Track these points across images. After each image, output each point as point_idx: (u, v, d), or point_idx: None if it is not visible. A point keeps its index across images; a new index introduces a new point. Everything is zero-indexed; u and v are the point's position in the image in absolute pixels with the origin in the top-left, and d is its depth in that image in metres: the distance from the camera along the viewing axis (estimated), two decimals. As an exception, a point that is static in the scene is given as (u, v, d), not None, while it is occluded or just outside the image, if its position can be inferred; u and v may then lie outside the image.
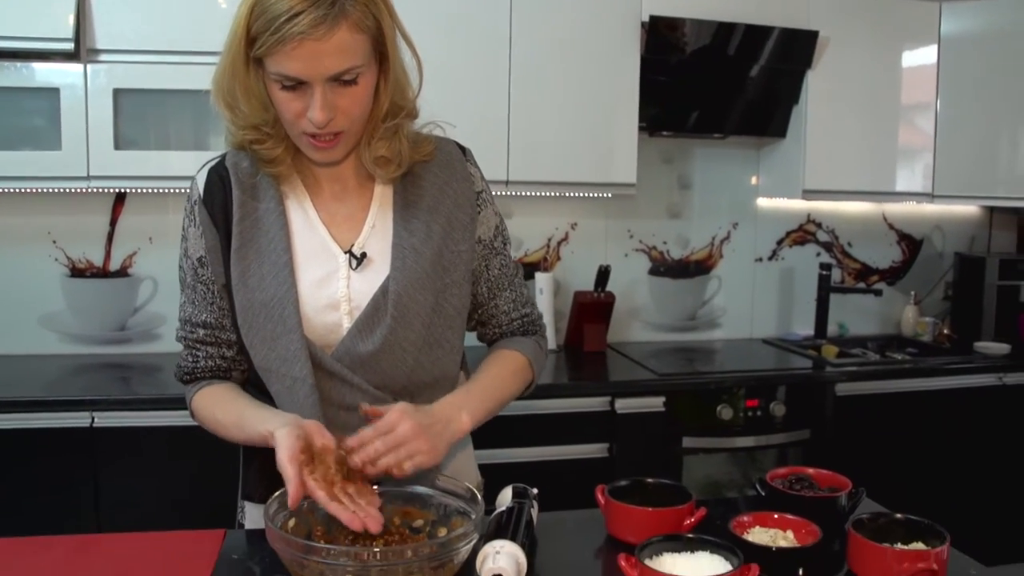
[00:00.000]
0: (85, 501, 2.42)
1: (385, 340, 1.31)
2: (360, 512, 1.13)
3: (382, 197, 1.38)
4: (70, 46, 2.48)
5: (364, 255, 1.34)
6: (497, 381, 1.40)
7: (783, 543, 1.20)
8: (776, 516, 1.26)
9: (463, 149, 1.45)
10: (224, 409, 1.33)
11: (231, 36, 1.21)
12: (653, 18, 2.93)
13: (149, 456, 2.44)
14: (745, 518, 1.26)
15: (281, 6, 1.14)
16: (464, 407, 1.30)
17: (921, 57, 3.33)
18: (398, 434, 1.17)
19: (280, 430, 1.15)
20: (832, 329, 3.63)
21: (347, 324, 1.33)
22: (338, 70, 1.19)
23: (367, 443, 1.17)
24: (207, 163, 1.39)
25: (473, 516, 1.14)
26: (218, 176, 1.36)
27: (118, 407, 2.42)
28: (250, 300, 1.31)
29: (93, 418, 2.40)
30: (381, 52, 1.25)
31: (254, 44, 1.18)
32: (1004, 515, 3.29)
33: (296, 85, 1.20)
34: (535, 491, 1.32)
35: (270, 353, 1.31)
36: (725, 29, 3.00)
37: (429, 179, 1.38)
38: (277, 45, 1.16)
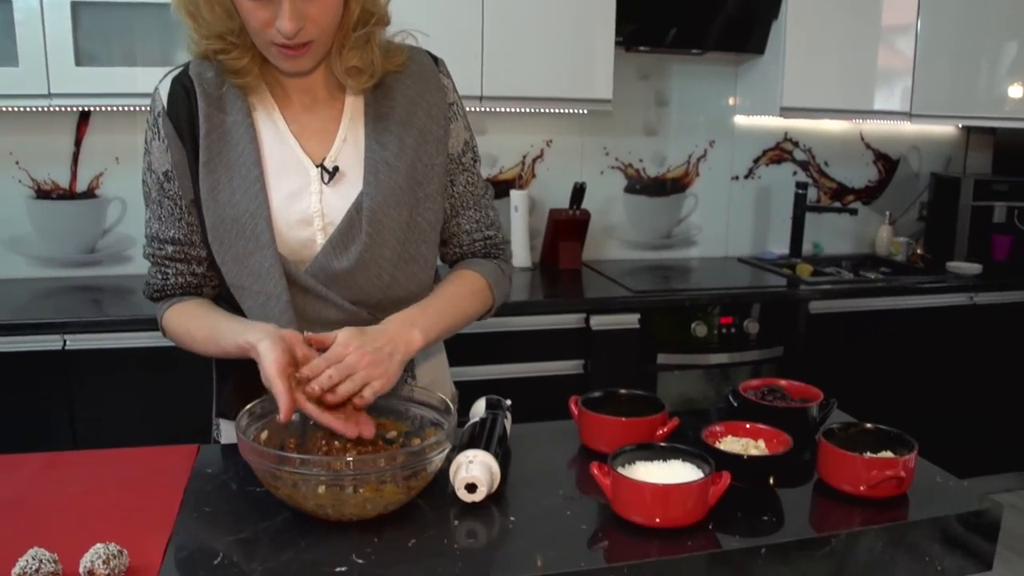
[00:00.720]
0: (60, 425, 2.41)
1: (360, 257, 1.29)
2: (353, 418, 1.14)
3: (353, 109, 1.34)
4: (22, -45, 2.37)
5: (336, 169, 1.31)
6: (454, 299, 1.37)
7: (754, 452, 1.22)
8: (748, 426, 1.27)
9: (436, 59, 1.41)
10: (197, 324, 1.31)
11: None
12: (631, -72, 2.85)
13: (123, 378, 2.43)
14: (717, 428, 1.27)
15: None
16: (416, 324, 1.26)
17: (903, -26, 3.28)
18: (347, 364, 1.14)
19: (263, 342, 1.13)
20: (807, 248, 3.65)
21: (320, 240, 1.31)
22: None
23: (319, 372, 1.14)
24: (169, 72, 1.33)
25: (446, 426, 1.14)
26: (182, 87, 1.30)
27: (90, 329, 2.40)
28: (220, 216, 1.28)
29: (65, 341, 2.38)
30: None
31: None
32: (972, 431, 3.37)
33: None
34: (508, 402, 1.32)
35: (243, 270, 1.29)
36: (705, -60, 2.93)
37: (401, 90, 1.34)
38: None
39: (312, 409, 1.12)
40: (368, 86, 1.31)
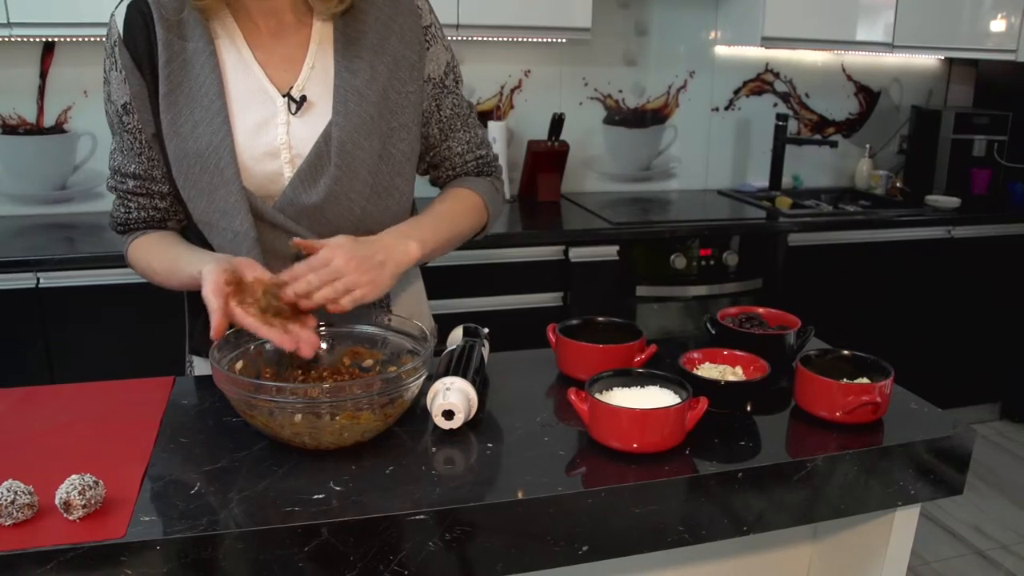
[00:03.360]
0: (36, 363, 2.40)
1: (330, 190, 1.25)
2: (294, 334, 1.10)
3: (322, 34, 1.29)
4: None
5: (304, 98, 1.26)
6: (450, 215, 1.35)
7: (732, 378, 1.22)
8: (726, 353, 1.27)
9: None
10: (159, 257, 1.29)
11: None
12: None
13: (97, 314, 2.41)
14: (695, 355, 1.27)
15: None
16: (412, 236, 1.24)
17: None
18: (332, 268, 1.12)
19: (207, 266, 1.11)
20: (787, 181, 3.64)
21: (288, 173, 1.27)
22: None
23: (299, 276, 1.12)
24: None
25: (423, 354, 1.13)
26: (139, 12, 1.24)
27: (63, 267, 2.37)
28: (183, 150, 1.24)
29: (38, 279, 2.35)
30: None
31: None
32: (949, 363, 3.42)
33: None
34: (486, 331, 1.32)
35: (208, 206, 1.25)
36: None
37: (373, 14, 1.29)
38: None
39: (251, 323, 1.08)
40: (338, 10, 1.26)
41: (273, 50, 1.28)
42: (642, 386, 1.14)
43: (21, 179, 2.86)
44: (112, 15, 1.26)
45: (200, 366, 1.43)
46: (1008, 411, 3.69)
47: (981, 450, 3.40)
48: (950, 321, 3.39)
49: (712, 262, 2.96)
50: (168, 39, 1.23)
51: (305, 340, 1.11)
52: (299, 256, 1.17)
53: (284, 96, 1.26)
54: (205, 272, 1.10)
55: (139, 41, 1.23)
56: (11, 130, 2.82)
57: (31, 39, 2.67)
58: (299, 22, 1.29)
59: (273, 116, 1.26)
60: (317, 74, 1.28)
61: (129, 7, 1.25)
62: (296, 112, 1.26)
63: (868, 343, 3.06)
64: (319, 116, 1.27)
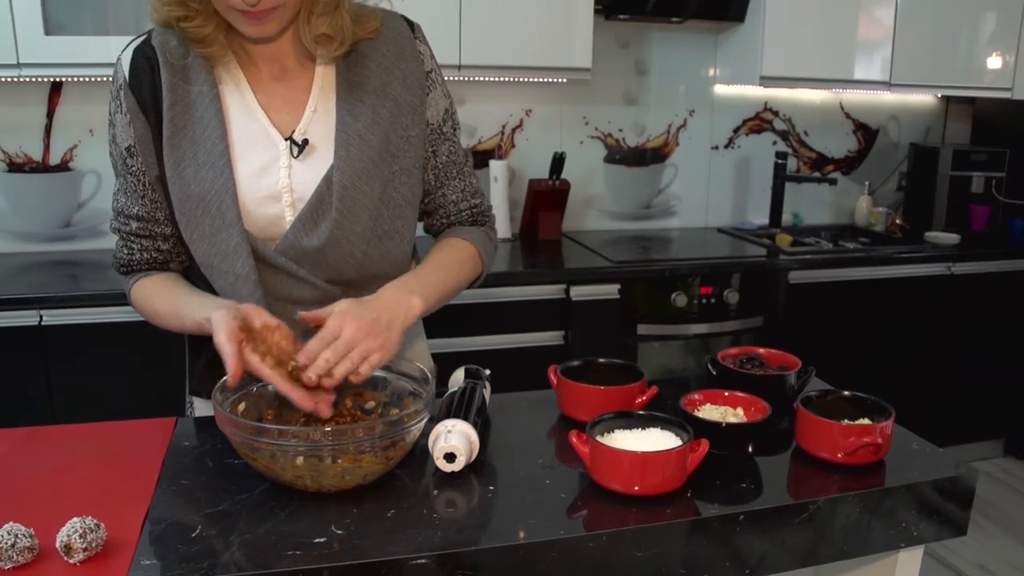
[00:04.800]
0: (38, 401, 2.39)
1: (331, 234, 1.26)
2: (312, 393, 1.11)
3: (324, 78, 1.30)
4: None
5: (306, 142, 1.27)
6: (447, 266, 1.35)
7: (733, 420, 1.22)
8: (727, 394, 1.28)
9: (411, 24, 1.37)
10: (162, 300, 1.29)
11: None
12: None
13: (100, 352, 2.41)
14: (696, 396, 1.27)
15: None
16: (414, 291, 1.25)
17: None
18: (345, 339, 1.12)
19: (216, 312, 1.11)
20: (786, 218, 3.66)
21: (289, 216, 1.27)
22: None
23: (315, 356, 1.11)
24: (131, 42, 1.28)
25: (424, 396, 1.14)
26: (145, 57, 1.25)
27: (66, 304, 2.37)
28: (186, 193, 1.24)
29: (41, 316, 2.35)
30: None
31: None
32: (949, 400, 3.41)
33: None
34: (487, 372, 1.32)
35: (210, 248, 1.26)
36: (684, -93, 2.90)
37: (375, 58, 1.30)
38: None
39: (268, 373, 1.09)
40: (339, 54, 1.27)
41: (276, 94, 1.29)
42: (643, 428, 1.14)
43: (26, 217, 2.88)
44: (118, 59, 1.28)
45: (201, 407, 1.43)
46: (1012, 447, 3.67)
47: (985, 487, 3.38)
48: (952, 357, 3.38)
49: (713, 300, 2.97)
50: (173, 83, 1.24)
51: (323, 400, 1.12)
52: (307, 331, 1.17)
53: (286, 139, 1.27)
54: (215, 319, 1.10)
55: (144, 85, 1.25)
56: (17, 168, 2.84)
57: (39, 79, 2.71)
58: (301, 66, 1.30)
59: (275, 159, 1.27)
60: (319, 118, 1.29)
61: (135, 51, 1.26)
62: (298, 155, 1.27)
63: (870, 380, 3.08)
64: (321, 160, 1.27)
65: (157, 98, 1.25)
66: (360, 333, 1.13)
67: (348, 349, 1.12)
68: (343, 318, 1.13)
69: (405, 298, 1.23)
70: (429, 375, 1.18)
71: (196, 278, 1.33)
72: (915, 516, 1.15)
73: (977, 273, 3.33)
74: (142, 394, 2.37)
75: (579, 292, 2.77)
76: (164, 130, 1.24)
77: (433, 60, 1.38)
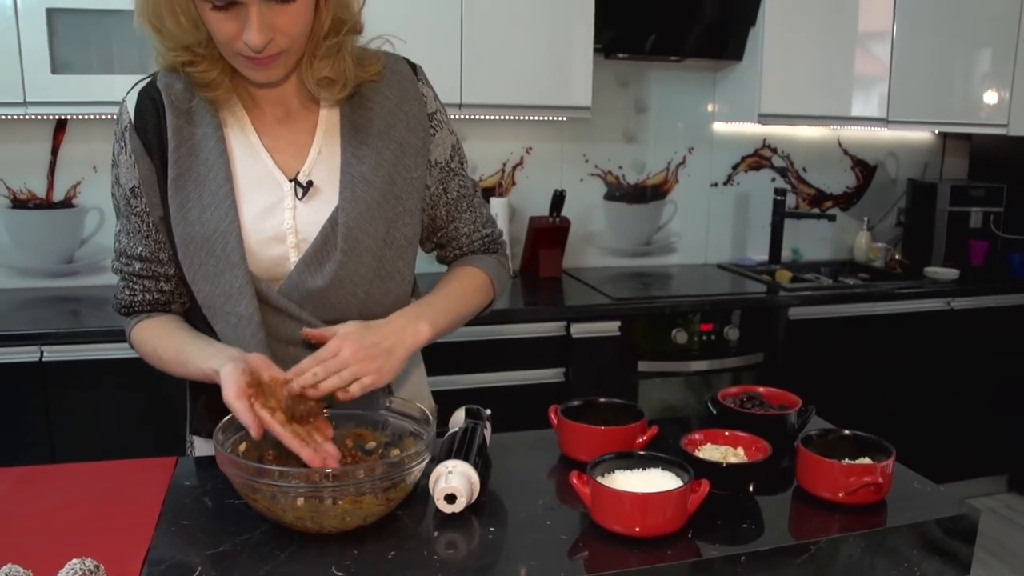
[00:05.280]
0: (38, 437, 2.39)
1: (335, 275, 1.27)
2: (320, 450, 1.12)
3: (328, 121, 1.31)
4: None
5: (310, 183, 1.28)
6: (458, 294, 1.37)
7: (733, 459, 1.22)
8: (727, 433, 1.27)
9: (414, 67, 1.38)
10: (164, 344, 1.29)
11: None
12: (609, -63, 2.86)
13: (100, 390, 2.41)
14: (696, 436, 1.27)
15: None
16: (423, 317, 1.26)
17: (877, -18, 3.31)
18: (340, 359, 1.14)
19: (225, 367, 1.12)
20: (786, 254, 3.67)
21: (294, 257, 1.28)
22: None
23: (305, 370, 1.13)
24: (136, 84, 1.29)
25: (425, 437, 1.14)
26: (150, 99, 1.27)
27: (67, 340, 2.38)
28: (190, 234, 1.25)
29: (42, 352, 2.36)
30: None
31: None
32: (951, 435, 3.40)
33: (228, 5, 1.11)
34: (488, 412, 1.32)
35: (214, 290, 1.26)
36: (683, -52, 2.95)
37: (379, 101, 1.32)
38: None
39: (280, 431, 1.10)
40: (342, 97, 1.29)
41: (280, 136, 1.30)
42: (644, 468, 1.14)
43: (29, 252, 2.90)
44: (123, 100, 1.29)
45: (201, 446, 1.42)
46: (1016, 483, 3.65)
47: (989, 523, 3.36)
48: (953, 393, 3.38)
49: (713, 337, 2.97)
50: (178, 125, 1.25)
51: (331, 455, 1.13)
52: (311, 346, 1.18)
53: (291, 181, 1.28)
54: (224, 374, 1.11)
55: (149, 126, 1.26)
56: (21, 204, 2.86)
57: (45, 117, 2.74)
58: (305, 109, 1.31)
59: (280, 201, 1.27)
60: (323, 160, 1.30)
61: (140, 93, 1.28)
62: (303, 197, 1.28)
63: (871, 416, 3.07)
64: (325, 202, 1.28)
65: (162, 140, 1.26)
66: (357, 355, 1.15)
67: (340, 368, 1.13)
68: (344, 339, 1.16)
69: (413, 324, 1.24)
70: (430, 416, 1.19)
71: (197, 320, 1.33)
72: (918, 556, 1.14)
73: (977, 308, 3.33)
74: (142, 432, 2.37)
75: (580, 329, 2.78)
76: (169, 171, 1.25)
77: (437, 101, 1.39)
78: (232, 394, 1.09)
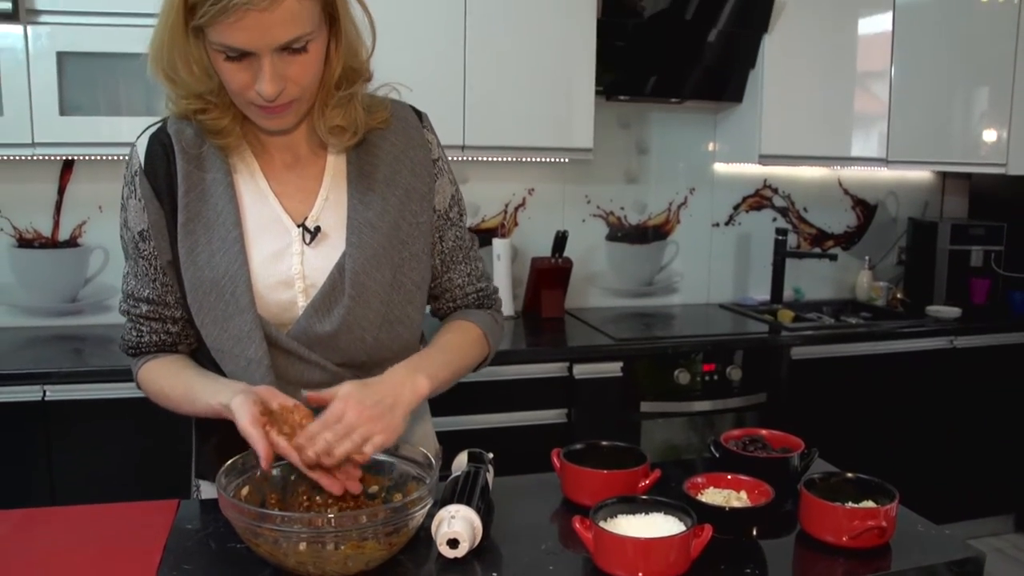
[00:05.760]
0: (39, 477, 2.38)
1: (343, 320, 1.27)
2: (339, 475, 1.13)
3: (336, 167, 1.33)
4: (8, 6, 2.38)
5: (318, 229, 1.29)
6: (454, 347, 1.36)
7: (736, 503, 1.22)
8: (730, 477, 1.27)
9: (419, 114, 1.40)
10: (171, 383, 1.29)
11: (166, 3, 1.14)
12: (610, -19, 2.90)
13: (103, 429, 2.40)
14: (699, 479, 1.27)
15: None
16: (420, 369, 1.25)
17: (876, 24, 3.36)
18: (346, 423, 1.13)
19: (235, 399, 1.12)
20: (788, 294, 3.67)
21: (302, 302, 1.29)
22: (286, 39, 1.12)
23: (314, 437, 1.12)
24: (147, 129, 1.31)
25: (428, 481, 1.14)
26: (160, 144, 1.28)
27: (70, 380, 2.38)
28: (199, 278, 1.26)
29: (45, 391, 2.36)
30: (331, 14, 1.19)
31: (194, 13, 1.11)
32: (955, 475, 3.38)
33: (241, 56, 1.13)
34: (491, 455, 1.32)
35: (223, 333, 1.27)
36: (683, -8, 2.99)
37: (385, 147, 1.33)
38: (219, 16, 1.08)
39: (296, 458, 1.10)
40: (350, 144, 1.30)
41: (288, 181, 1.32)
42: (647, 513, 1.14)
43: (33, 291, 2.91)
44: (134, 145, 1.31)
45: (207, 490, 1.42)
46: (1023, 523, 3.63)
47: (996, 563, 3.32)
48: (958, 431, 3.36)
49: (716, 377, 2.97)
50: (188, 170, 1.27)
51: (351, 477, 1.15)
52: (320, 410, 1.18)
53: (299, 226, 1.29)
54: (235, 405, 1.11)
55: (159, 171, 1.27)
56: (26, 243, 2.88)
57: (52, 158, 2.77)
58: (314, 155, 1.33)
59: (288, 246, 1.28)
60: (331, 205, 1.31)
61: (151, 138, 1.29)
62: (310, 242, 1.29)
63: (875, 455, 3.06)
64: (333, 247, 1.29)
65: (172, 185, 1.27)
66: (363, 416, 1.13)
67: (349, 432, 1.12)
68: (347, 401, 1.14)
69: (411, 378, 1.23)
70: (433, 460, 1.19)
71: (205, 360, 1.33)
72: (922, 602, 1.13)
73: (979, 346, 3.33)
74: (146, 473, 2.36)
75: (582, 370, 2.78)
76: (179, 216, 1.26)
77: (440, 148, 1.41)
78: (247, 421, 1.09)
